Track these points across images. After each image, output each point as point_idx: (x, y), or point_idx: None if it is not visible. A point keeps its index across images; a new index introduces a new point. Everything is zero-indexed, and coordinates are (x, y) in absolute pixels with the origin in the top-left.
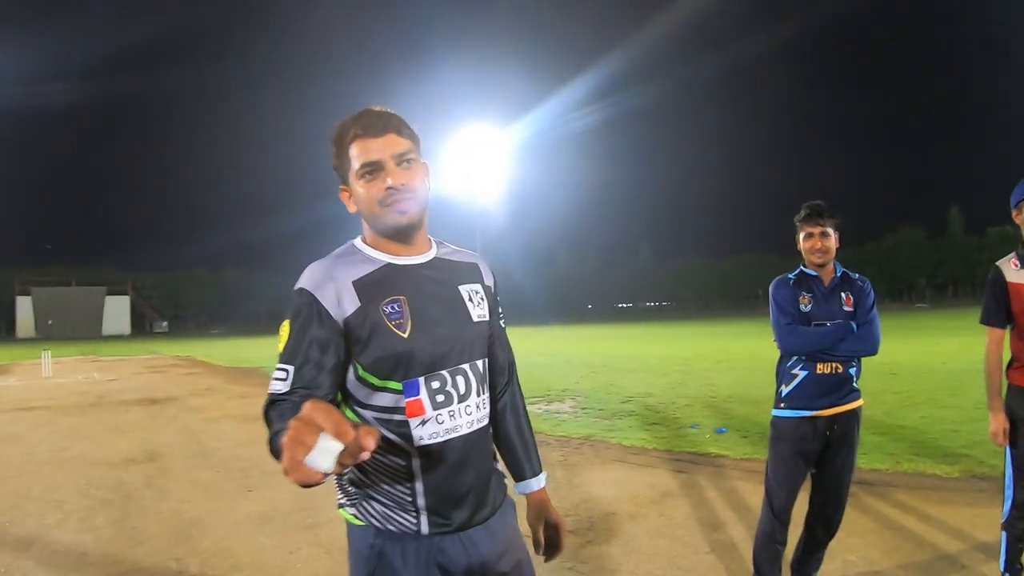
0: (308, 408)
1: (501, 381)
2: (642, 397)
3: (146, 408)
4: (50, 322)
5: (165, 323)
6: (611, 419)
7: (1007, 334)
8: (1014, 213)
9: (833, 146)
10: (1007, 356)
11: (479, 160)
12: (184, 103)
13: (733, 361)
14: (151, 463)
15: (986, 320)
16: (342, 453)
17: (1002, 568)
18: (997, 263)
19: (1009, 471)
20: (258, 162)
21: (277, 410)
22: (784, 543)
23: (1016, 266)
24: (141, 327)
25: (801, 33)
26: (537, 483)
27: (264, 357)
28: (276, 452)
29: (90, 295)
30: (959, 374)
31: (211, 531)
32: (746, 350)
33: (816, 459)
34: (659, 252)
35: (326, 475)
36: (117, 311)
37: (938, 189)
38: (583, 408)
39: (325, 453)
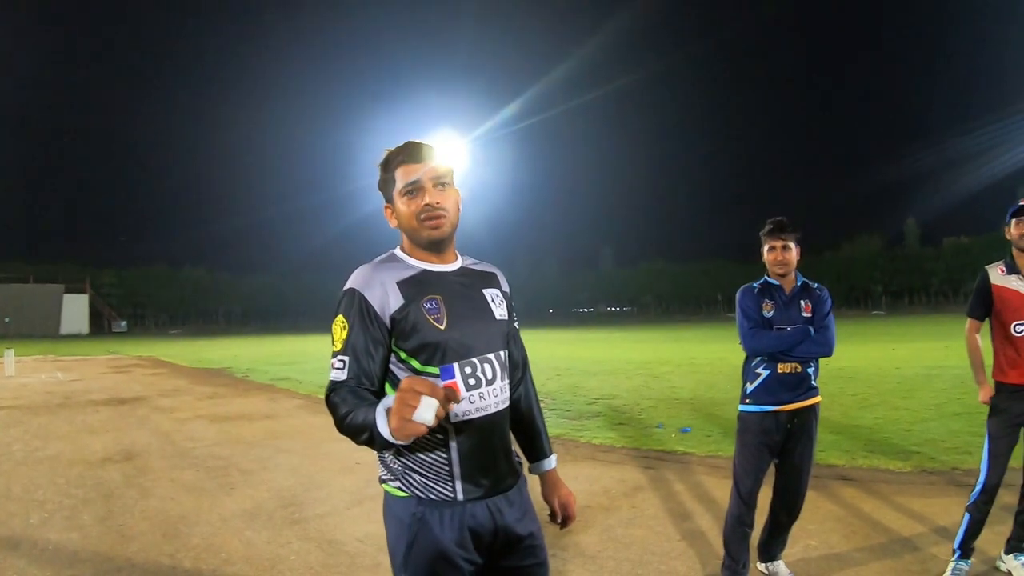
0: (406, 381)
1: (516, 375)
2: (608, 399)
3: (115, 408)
4: (7, 320)
5: (124, 323)
6: (579, 419)
7: (991, 335)
8: (1005, 229)
9: (795, 157)
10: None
11: (456, 165)
12: (146, 103)
13: (694, 365)
14: (128, 462)
15: (969, 312)
16: (438, 407)
17: (956, 545)
18: (986, 266)
19: (985, 457)
20: (221, 163)
21: (339, 395)
22: (751, 526)
23: (1002, 271)
24: (99, 326)
25: (761, 39)
26: (550, 463)
27: (228, 358)
28: (351, 429)
29: (48, 293)
30: (912, 378)
31: (199, 528)
32: (707, 354)
33: (779, 450)
34: (620, 257)
35: (428, 428)
36: (75, 309)
37: (896, 202)
38: (551, 409)
39: (427, 408)
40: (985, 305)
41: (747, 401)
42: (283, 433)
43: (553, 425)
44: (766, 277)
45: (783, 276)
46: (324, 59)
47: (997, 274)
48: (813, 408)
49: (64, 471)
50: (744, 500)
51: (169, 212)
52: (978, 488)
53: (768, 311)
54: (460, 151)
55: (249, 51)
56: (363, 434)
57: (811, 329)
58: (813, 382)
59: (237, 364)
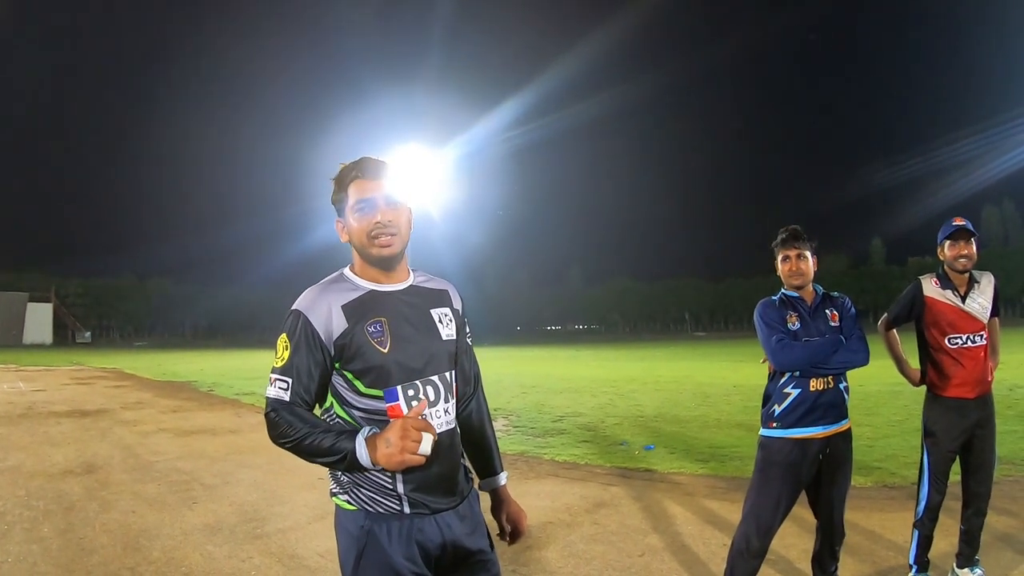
0: (402, 422)
1: (468, 390)
2: (573, 416)
3: (77, 420)
4: None
5: (88, 333)
6: (543, 436)
7: (919, 351)
8: (938, 249)
9: (761, 177)
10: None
11: (411, 181)
12: (114, 112)
13: (659, 383)
14: (90, 475)
15: (893, 321)
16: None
17: (911, 561)
18: (920, 277)
19: (925, 477)
20: (188, 175)
21: (281, 415)
22: (762, 558)
23: (936, 284)
24: (63, 336)
25: (734, 60)
26: (500, 480)
27: (194, 371)
28: (311, 450)
29: (12, 301)
30: (874, 395)
31: (160, 541)
32: (672, 372)
33: (809, 482)
34: (588, 275)
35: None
36: (39, 319)
37: (861, 221)
38: (515, 426)
39: (427, 442)
40: (908, 315)
41: (773, 425)
42: (246, 448)
43: (517, 442)
44: (783, 291)
45: (800, 287)
46: (295, 72)
47: (931, 286)
48: (847, 434)
49: (25, 483)
50: (760, 536)
51: (136, 222)
52: (922, 507)
53: (793, 323)
54: (429, 165)
55: (221, 64)
56: (329, 456)
57: (842, 338)
58: (847, 404)
59: (202, 378)
